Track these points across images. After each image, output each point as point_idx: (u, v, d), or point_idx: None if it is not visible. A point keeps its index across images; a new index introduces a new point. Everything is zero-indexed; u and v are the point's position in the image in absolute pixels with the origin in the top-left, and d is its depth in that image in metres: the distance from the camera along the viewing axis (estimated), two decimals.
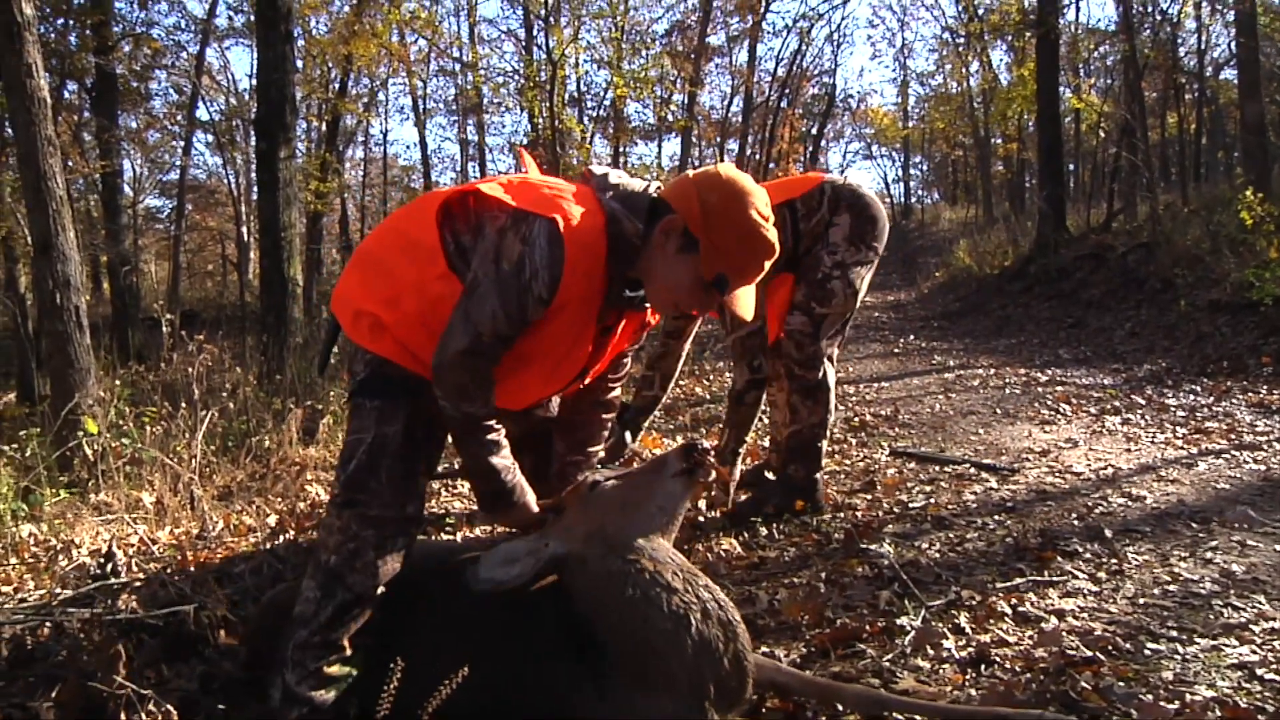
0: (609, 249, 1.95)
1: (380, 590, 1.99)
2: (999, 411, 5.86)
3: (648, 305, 2.17)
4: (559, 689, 1.87)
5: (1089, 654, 2.20)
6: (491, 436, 2.02)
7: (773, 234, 1.98)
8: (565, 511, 2.05)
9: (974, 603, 2.62)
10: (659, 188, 2.07)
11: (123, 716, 1.67)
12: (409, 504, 2.02)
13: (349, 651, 1.95)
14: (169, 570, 3.16)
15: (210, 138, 23.27)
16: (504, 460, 2.06)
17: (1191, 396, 5.95)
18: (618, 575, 1.87)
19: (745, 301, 2.05)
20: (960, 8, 23.08)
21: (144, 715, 1.69)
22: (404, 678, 1.58)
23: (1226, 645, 2.25)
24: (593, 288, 1.97)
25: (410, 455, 2.03)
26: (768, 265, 2.00)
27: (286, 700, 1.90)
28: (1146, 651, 2.23)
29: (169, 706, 1.77)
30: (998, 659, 2.24)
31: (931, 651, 2.32)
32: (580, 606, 1.91)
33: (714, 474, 2.11)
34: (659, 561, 1.90)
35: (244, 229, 24.44)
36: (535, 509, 2.12)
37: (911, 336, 10.70)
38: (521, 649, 1.93)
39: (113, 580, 2.94)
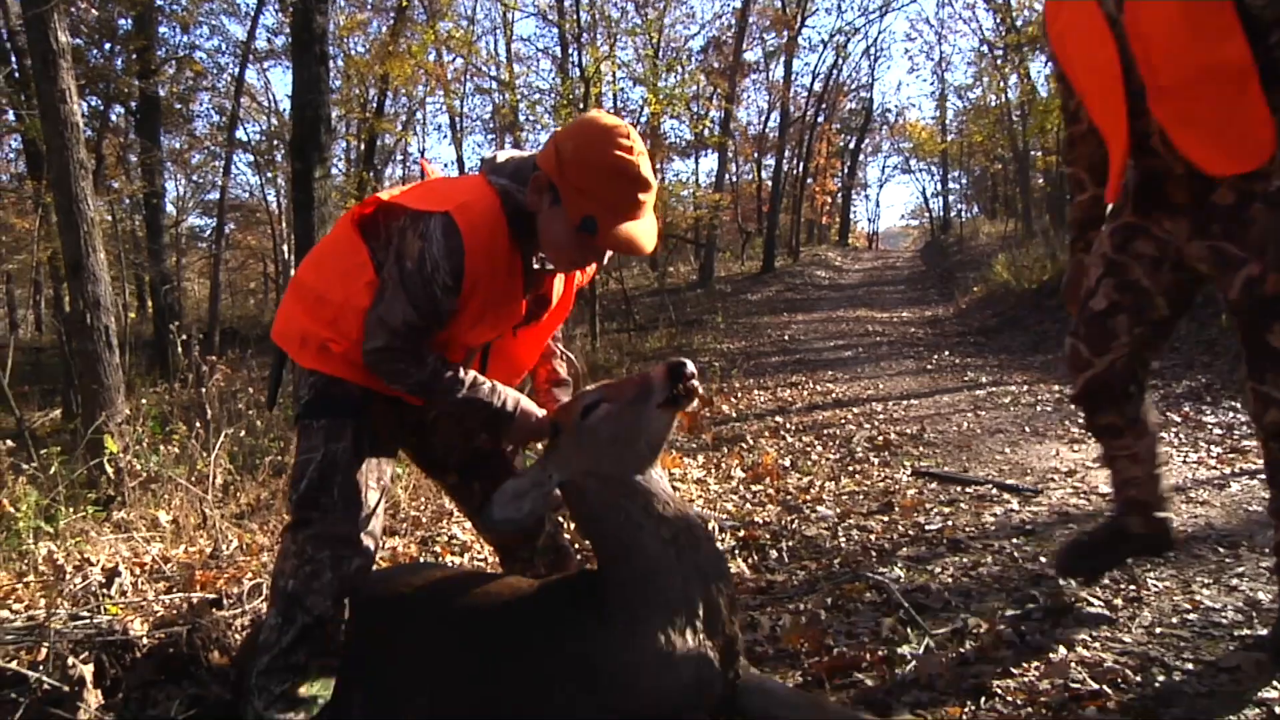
0: (510, 223, 1.98)
1: (341, 611, 1.98)
2: (1028, 430, 5.74)
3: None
4: (564, 633, 1.94)
5: (1095, 687, 2.11)
6: (451, 377, 1.99)
7: (640, 164, 1.89)
8: (561, 437, 2.06)
9: (980, 631, 2.54)
10: None
11: None
12: (362, 520, 2.01)
13: (313, 671, 1.94)
14: (174, 590, 3.17)
15: (251, 157, 23.63)
16: (478, 389, 2.03)
17: (1230, 414, 5.78)
18: (613, 507, 1.96)
19: (637, 237, 1.92)
20: (998, 20, 22.86)
21: None
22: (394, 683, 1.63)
23: (1245, 679, 2.15)
24: (502, 264, 1.99)
25: (361, 470, 2.03)
26: (642, 197, 1.91)
27: None
28: (1157, 684, 2.14)
29: None
30: (999, 691, 2.16)
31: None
32: (580, 531, 2.09)
33: (698, 401, 2.11)
34: (651, 494, 1.98)
35: (285, 247, 24.77)
36: (538, 413, 2.11)
37: (946, 352, 10.54)
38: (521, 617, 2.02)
39: (116, 599, 2.95)
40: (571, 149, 1.90)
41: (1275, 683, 2.11)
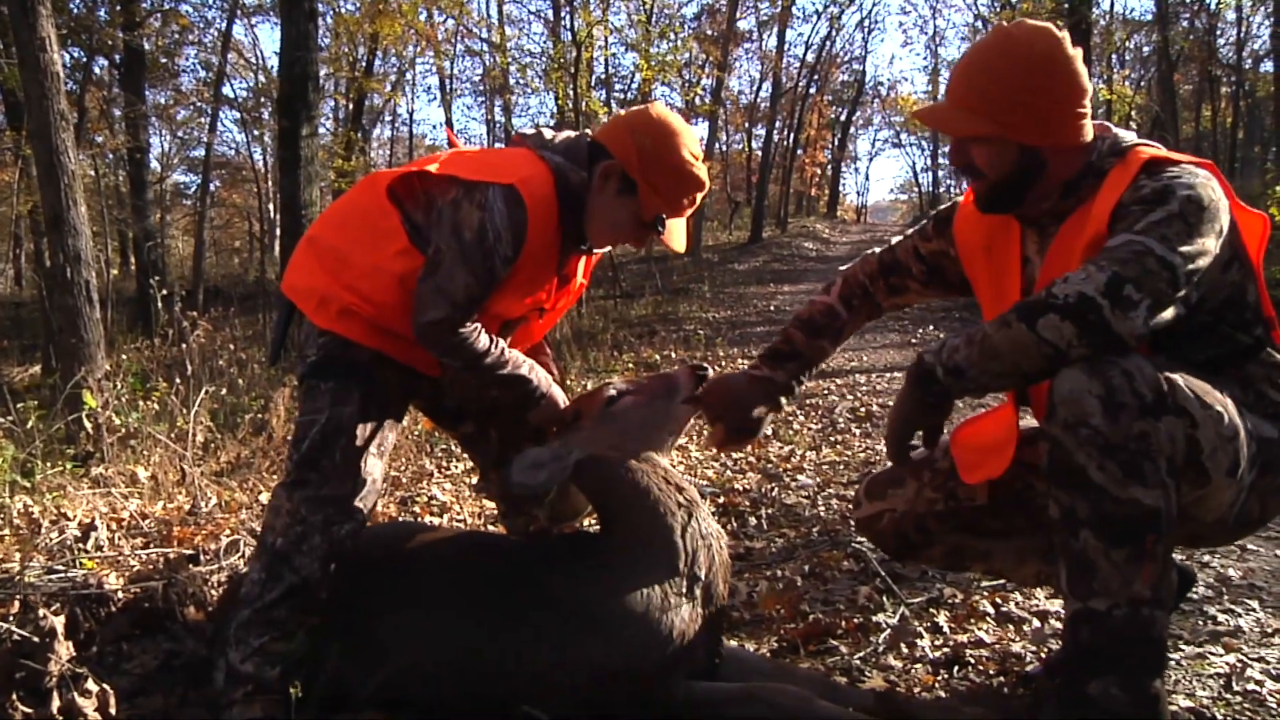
0: (560, 203, 2.02)
1: (327, 573, 1.97)
2: None
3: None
4: (558, 578, 1.99)
5: None
6: (494, 356, 2.04)
7: (702, 171, 2.07)
8: (583, 419, 2.15)
9: (956, 601, 2.56)
10: (591, 133, 2.14)
11: (55, 696, 1.65)
12: (360, 486, 2.00)
13: (293, 628, 1.93)
14: (151, 545, 3.15)
15: (237, 114, 23.39)
16: (516, 367, 2.09)
17: None
18: (632, 472, 2.04)
19: (677, 234, 2.13)
20: None
21: (78, 694, 1.67)
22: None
23: (1212, 653, 2.18)
24: (548, 242, 2.04)
25: (364, 436, 2.02)
26: (698, 198, 2.10)
27: (230, 680, 1.88)
28: None
29: (105, 686, 1.74)
30: (972, 660, 2.18)
31: (906, 650, 2.26)
32: (593, 499, 2.12)
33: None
34: (667, 469, 2.10)
35: (271, 206, 24.58)
36: (563, 400, 2.20)
37: (930, 327, 10.55)
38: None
39: (92, 554, 2.94)
40: (652, 147, 2.00)
41: (1232, 656, 2.15)
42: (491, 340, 2.03)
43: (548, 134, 2.13)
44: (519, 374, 2.09)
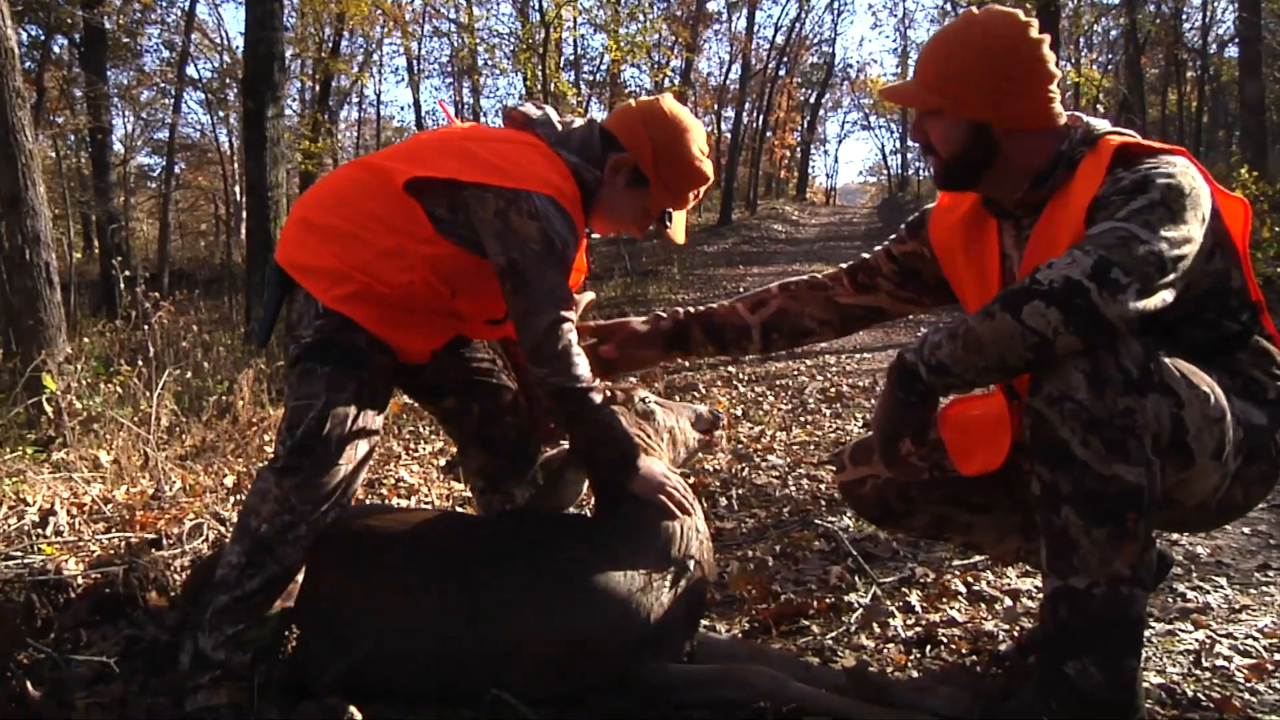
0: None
1: (304, 560, 1.94)
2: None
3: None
4: (547, 552, 2.00)
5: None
6: (599, 398, 2.00)
7: (708, 166, 2.15)
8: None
9: (928, 580, 2.56)
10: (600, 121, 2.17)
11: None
12: (349, 474, 1.97)
13: (267, 614, 1.90)
14: (112, 530, 3.10)
15: (202, 96, 23.02)
16: (615, 419, 2.05)
17: None
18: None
19: (679, 226, 2.23)
20: None
21: (28, 683, 1.63)
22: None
23: (1182, 630, 2.19)
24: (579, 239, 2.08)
25: (357, 423, 1.97)
26: (702, 192, 2.20)
27: (198, 664, 1.84)
28: None
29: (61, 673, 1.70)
30: (944, 639, 2.18)
31: (878, 630, 2.26)
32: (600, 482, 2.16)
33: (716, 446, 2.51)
34: (671, 467, 2.19)
35: (236, 188, 24.27)
36: (658, 467, 2.11)
37: None
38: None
39: (52, 539, 2.88)
40: (665, 142, 2.07)
41: (1201, 633, 2.16)
42: (599, 388, 2.02)
43: (556, 119, 2.11)
44: (614, 426, 2.03)
